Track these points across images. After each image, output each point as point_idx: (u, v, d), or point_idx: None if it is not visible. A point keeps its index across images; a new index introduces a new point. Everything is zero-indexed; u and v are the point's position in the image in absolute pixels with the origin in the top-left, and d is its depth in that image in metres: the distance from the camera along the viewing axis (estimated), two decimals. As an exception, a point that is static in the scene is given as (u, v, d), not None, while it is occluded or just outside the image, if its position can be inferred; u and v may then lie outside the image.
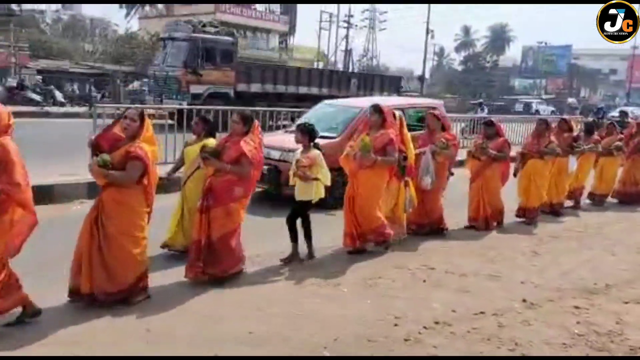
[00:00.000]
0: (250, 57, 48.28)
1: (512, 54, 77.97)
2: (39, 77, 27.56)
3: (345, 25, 53.57)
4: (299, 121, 7.85)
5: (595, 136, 8.96)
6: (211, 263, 4.55)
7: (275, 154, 7.66)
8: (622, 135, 9.65)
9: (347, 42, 53.08)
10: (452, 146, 6.49)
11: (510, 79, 72.18)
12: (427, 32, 38.51)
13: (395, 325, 3.98)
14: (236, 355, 3.49)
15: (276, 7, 53.58)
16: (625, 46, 60.72)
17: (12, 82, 24.05)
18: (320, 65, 58.41)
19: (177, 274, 4.71)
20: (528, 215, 7.52)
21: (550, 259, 5.89)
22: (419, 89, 43.78)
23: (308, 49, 56.96)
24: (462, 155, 7.73)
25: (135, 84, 26.91)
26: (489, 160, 6.89)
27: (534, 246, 6.37)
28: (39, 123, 15.61)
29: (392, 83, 26.01)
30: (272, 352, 3.54)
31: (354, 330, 3.86)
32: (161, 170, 4.86)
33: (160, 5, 54.34)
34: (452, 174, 6.96)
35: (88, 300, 3.97)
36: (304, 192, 5.28)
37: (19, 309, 3.71)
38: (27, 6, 42.64)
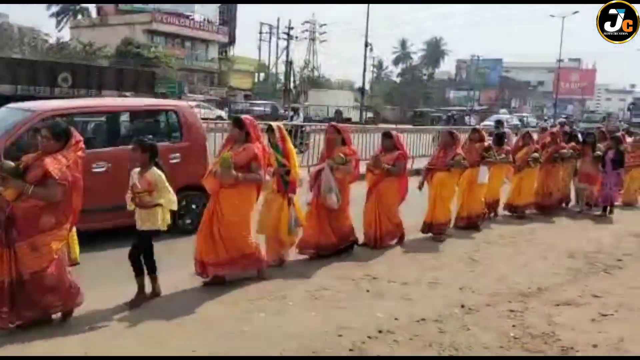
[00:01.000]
0: (189, 67, 47.83)
1: (447, 67, 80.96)
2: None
3: (286, 37, 53.84)
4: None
5: (506, 147, 8.80)
6: (25, 305, 3.86)
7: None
8: (538, 146, 9.37)
9: (287, 53, 53.39)
10: (350, 162, 5.96)
11: (446, 91, 74.75)
12: (366, 45, 39.33)
13: (340, 335, 4.01)
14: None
15: (215, 18, 53.19)
16: (552, 59, 64.34)
17: None
18: (262, 76, 58.45)
19: (118, 292, 4.55)
20: (434, 231, 7.16)
21: (487, 265, 6.11)
22: (360, 100, 44.50)
23: (249, 60, 56.80)
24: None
25: None
26: (383, 174, 6.52)
27: (472, 253, 6.60)
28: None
29: (143, 80, 20.98)
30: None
31: (299, 343, 3.86)
32: None
33: (93, 14, 52.79)
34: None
35: None
36: (146, 220, 4.48)
37: None
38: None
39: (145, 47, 39.99)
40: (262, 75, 59.16)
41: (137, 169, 4.55)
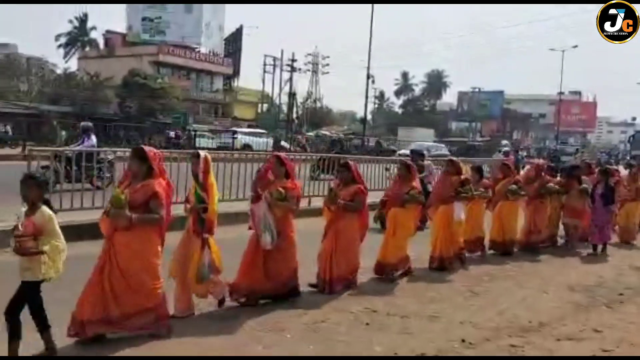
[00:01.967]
0: (194, 98, 48.46)
1: (449, 99, 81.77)
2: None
3: (289, 68, 54.59)
4: None
5: (486, 180, 8.32)
6: None
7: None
8: (518, 177, 8.95)
9: (290, 84, 54.08)
10: (292, 198, 5.37)
11: (448, 122, 75.31)
12: (368, 77, 39.78)
13: (338, 370, 3.98)
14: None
15: (220, 50, 54.13)
16: (553, 92, 65.07)
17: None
18: (265, 107, 59.16)
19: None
20: (385, 272, 6.54)
21: (488, 299, 6.08)
22: (362, 130, 44.87)
23: (253, 92, 57.53)
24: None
25: None
26: (341, 210, 5.97)
27: (472, 286, 6.56)
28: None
29: None
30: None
31: (297, 377, 3.83)
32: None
33: (102, 45, 53.82)
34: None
35: None
36: (26, 268, 3.75)
37: None
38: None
39: (152, 78, 40.59)
40: (265, 106, 59.80)
41: (24, 209, 3.83)
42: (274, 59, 55.52)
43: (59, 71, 49.31)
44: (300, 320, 5.05)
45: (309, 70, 61.78)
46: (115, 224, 4.19)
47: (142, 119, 35.42)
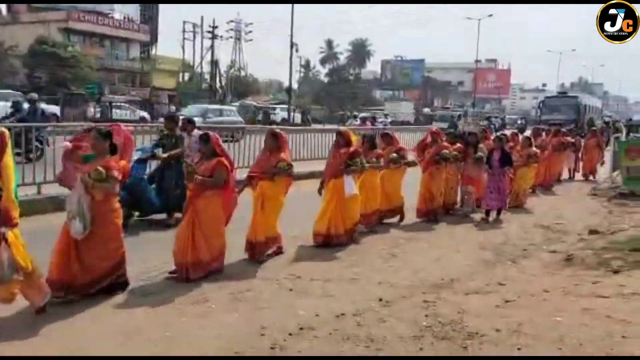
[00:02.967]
0: (109, 67, 46.09)
1: (373, 68, 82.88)
2: None
3: (210, 36, 53.02)
4: None
5: (379, 150, 7.99)
6: None
7: None
8: (401, 146, 8.75)
9: (212, 52, 52.64)
10: (113, 177, 4.67)
11: (372, 91, 76.52)
12: (292, 46, 39.50)
13: (262, 335, 4.13)
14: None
15: (136, 16, 51.53)
16: (470, 59, 67.51)
17: None
18: (187, 76, 57.35)
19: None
20: (255, 252, 6.08)
21: (405, 260, 6.43)
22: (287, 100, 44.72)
23: (172, 60, 55.44)
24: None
25: None
26: (199, 187, 5.41)
27: (391, 249, 6.90)
28: None
29: None
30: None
31: (221, 345, 3.94)
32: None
33: (4, 12, 49.69)
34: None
35: None
36: None
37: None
38: None
39: (61, 46, 38.12)
40: (186, 75, 57.95)
41: None
42: (194, 25, 53.69)
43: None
44: (225, 290, 5.14)
45: (231, 37, 60.26)
46: None
47: (53, 89, 33.34)
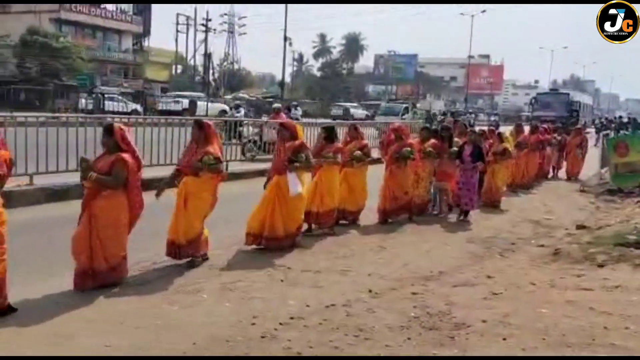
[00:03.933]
0: (101, 59, 45.77)
1: (366, 62, 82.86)
2: None
3: (204, 28, 52.81)
4: None
5: (338, 144, 7.47)
6: None
7: None
8: (365, 142, 8.21)
9: (205, 45, 52.42)
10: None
11: (365, 85, 76.48)
12: (285, 40, 39.50)
13: (253, 324, 4.19)
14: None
15: (129, 7, 51.15)
16: (463, 55, 67.89)
17: None
18: (180, 69, 57.11)
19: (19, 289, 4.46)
20: (176, 254, 5.52)
21: (394, 253, 6.51)
22: (280, 94, 44.67)
23: (165, 52, 55.17)
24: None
25: None
26: (96, 186, 4.74)
27: (381, 241, 6.98)
28: None
29: None
30: (130, 362, 3.55)
31: (212, 333, 3.99)
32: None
33: (-6, 1, 49.07)
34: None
35: None
36: None
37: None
38: None
39: (53, 36, 37.79)
40: (179, 67, 57.72)
41: None
42: (187, 18, 53.44)
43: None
44: (217, 280, 5.21)
45: (224, 30, 60.06)
46: None
47: (43, 80, 33.07)
